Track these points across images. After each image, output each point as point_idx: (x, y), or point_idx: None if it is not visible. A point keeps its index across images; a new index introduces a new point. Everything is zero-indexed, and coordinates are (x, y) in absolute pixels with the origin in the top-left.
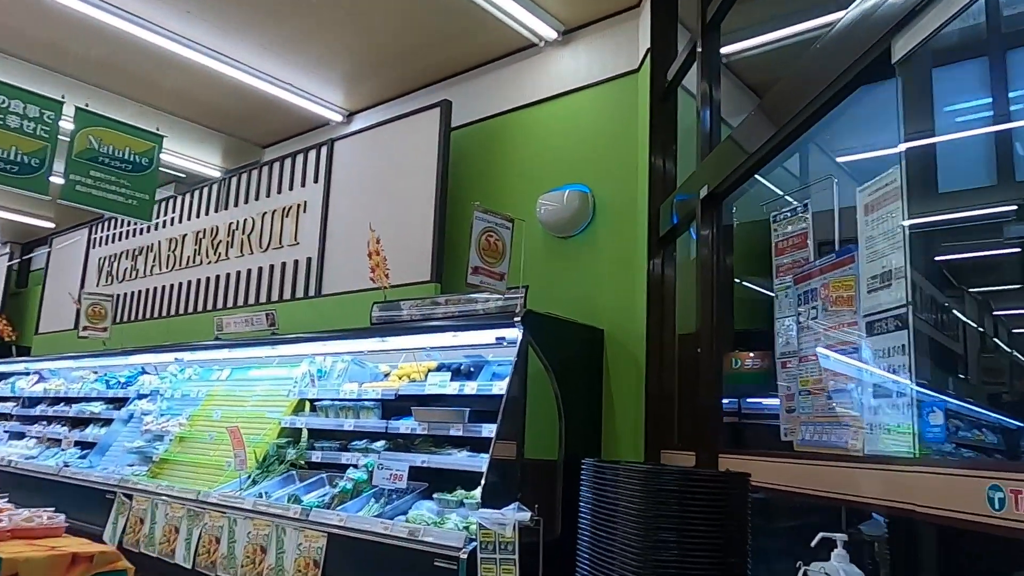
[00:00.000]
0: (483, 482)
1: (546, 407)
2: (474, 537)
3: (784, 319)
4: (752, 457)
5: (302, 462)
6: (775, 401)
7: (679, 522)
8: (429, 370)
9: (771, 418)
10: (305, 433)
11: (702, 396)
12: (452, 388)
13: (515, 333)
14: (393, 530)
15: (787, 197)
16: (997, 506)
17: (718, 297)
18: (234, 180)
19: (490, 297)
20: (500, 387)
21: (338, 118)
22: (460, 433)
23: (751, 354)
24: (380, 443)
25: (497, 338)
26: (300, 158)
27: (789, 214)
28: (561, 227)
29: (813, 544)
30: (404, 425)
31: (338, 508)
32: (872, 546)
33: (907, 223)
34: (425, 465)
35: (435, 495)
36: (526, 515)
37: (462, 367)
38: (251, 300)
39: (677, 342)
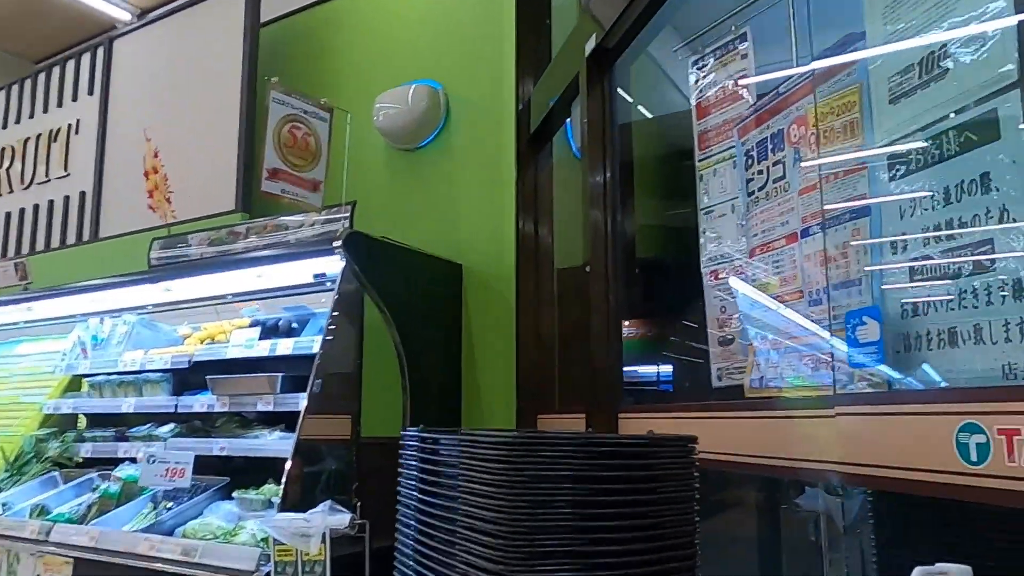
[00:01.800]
0: (285, 475)
1: (391, 369)
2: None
3: (712, 209)
4: (687, 413)
5: (70, 459)
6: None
7: (571, 519)
8: (237, 329)
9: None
10: (84, 421)
11: (595, 341)
12: (261, 349)
13: (338, 266)
14: (161, 550)
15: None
16: (975, 457)
17: (612, 205)
18: None
19: (305, 220)
20: None
21: (126, 16)
22: (271, 408)
23: (626, 322)
24: (169, 427)
25: (316, 276)
26: (71, 66)
27: (719, 52)
28: (406, 135)
29: None
30: (199, 402)
31: (95, 521)
32: (815, 523)
33: None
34: (225, 453)
35: (236, 493)
36: (344, 518)
37: (280, 323)
38: (10, 252)
39: (557, 279)
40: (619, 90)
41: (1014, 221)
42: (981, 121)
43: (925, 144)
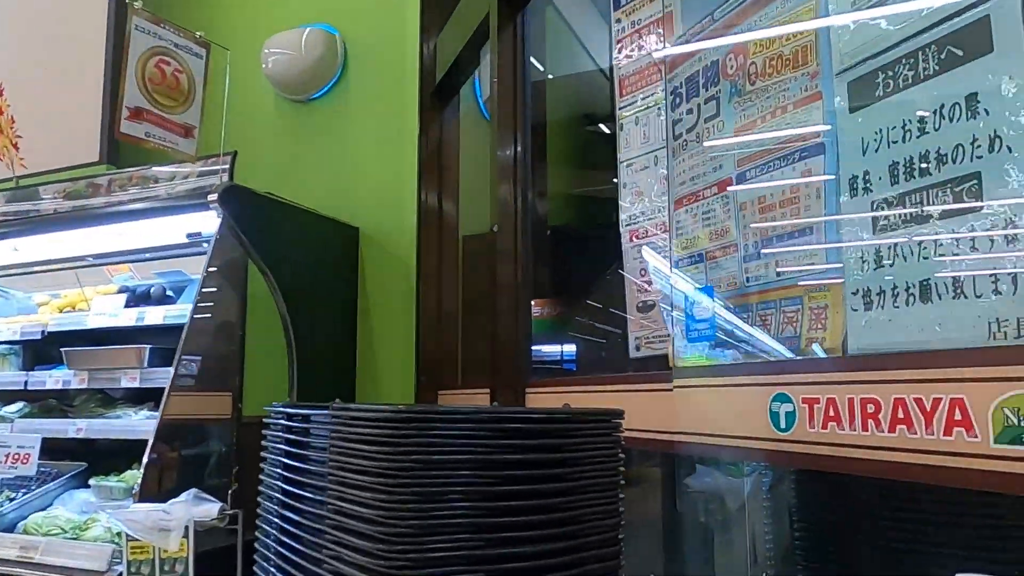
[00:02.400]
0: (145, 461)
1: (281, 341)
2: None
3: (633, 162)
4: (602, 386)
5: None
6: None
7: (469, 514)
8: (100, 296)
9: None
10: None
11: (502, 310)
12: (128, 318)
13: (215, 224)
14: None
15: None
16: (784, 424)
17: (523, 163)
18: None
19: (178, 171)
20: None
21: None
22: (138, 384)
23: (537, 301)
24: (17, 406)
25: (189, 235)
26: None
27: None
28: (298, 85)
29: None
30: (53, 377)
31: None
32: (704, 504)
33: None
34: (83, 435)
35: (93, 480)
36: (212, 508)
37: (153, 290)
38: None
39: (462, 246)
40: (531, 59)
41: (1009, 151)
42: (969, 30)
43: (895, 63)
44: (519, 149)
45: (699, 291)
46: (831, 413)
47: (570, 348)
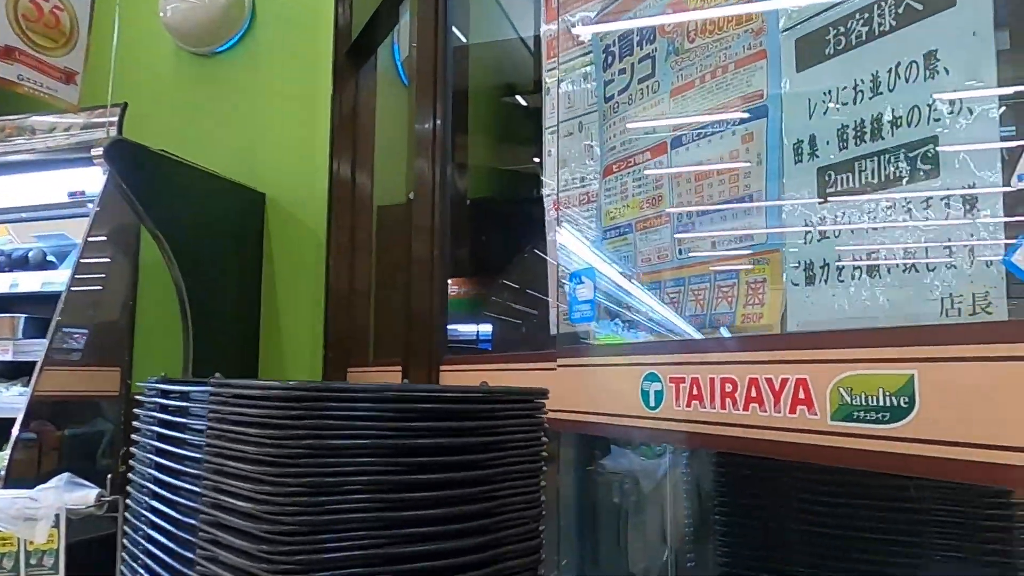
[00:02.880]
0: (12, 442)
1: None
2: None
3: (559, 128)
4: (521, 364)
5: None
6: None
7: (370, 507)
8: None
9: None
10: None
11: (417, 282)
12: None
13: (99, 182)
14: None
15: None
16: (653, 402)
17: (443, 135)
18: None
19: (59, 123)
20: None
21: None
22: (11, 357)
23: (450, 280)
24: None
25: (71, 194)
26: None
27: None
28: (201, 36)
29: None
30: None
31: None
32: (619, 485)
33: None
34: None
35: None
36: (88, 494)
37: (31, 255)
38: None
39: (376, 216)
40: (453, 27)
41: (970, 113)
42: None
43: (847, 18)
44: (438, 117)
45: (584, 273)
46: (695, 392)
47: (489, 327)
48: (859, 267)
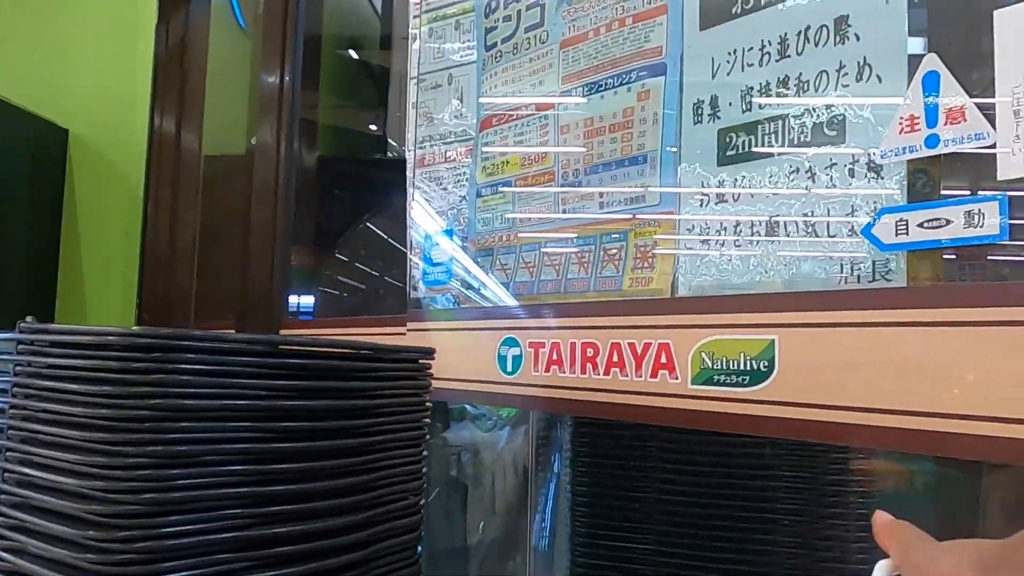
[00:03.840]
0: None
1: None
2: None
3: (425, 78)
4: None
5: None
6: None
7: (231, 481)
8: None
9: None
10: None
11: (254, 245)
12: None
13: None
14: None
15: None
16: (511, 367)
17: (290, 87)
18: None
19: None
20: None
21: None
22: None
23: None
24: None
25: None
26: None
27: None
28: None
29: None
30: None
31: None
32: (458, 458)
33: None
34: None
35: None
36: None
37: None
38: None
39: (205, 165)
40: None
41: (879, 80)
42: None
43: None
44: (287, 70)
45: (445, 233)
46: (554, 357)
47: (335, 294)
48: (756, 232)
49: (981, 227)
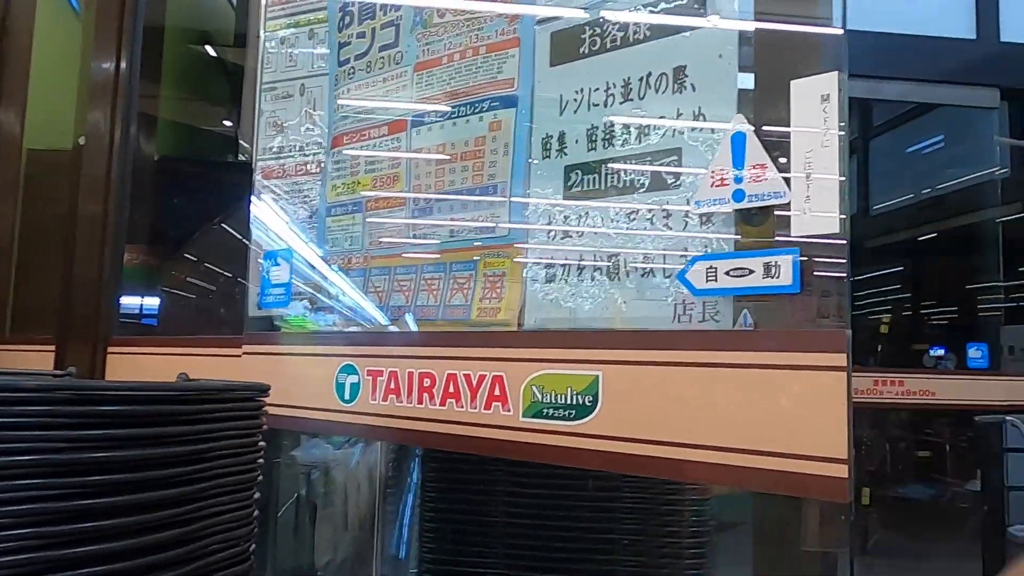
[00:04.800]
0: None
1: None
2: None
3: (276, 87)
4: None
5: None
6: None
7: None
8: None
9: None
10: None
11: (82, 250)
12: None
13: None
14: None
15: None
16: (348, 395)
17: (130, 77)
18: None
19: None
20: None
21: None
22: None
23: (132, 245)
24: None
25: None
26: None
27: None
28: None
29: None
30: None
31: None
32: (308, 477)
33: None
34: None
35: None
36: None
37: None
38: None
39: (26, 161)
40: None
41: (711, 130)
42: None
43: (604, 21)
44: (123, 58)
45: (280, 255)
46: (392, 386)
47: (174, 305)
48: (599, 268)
49: (777, 278)
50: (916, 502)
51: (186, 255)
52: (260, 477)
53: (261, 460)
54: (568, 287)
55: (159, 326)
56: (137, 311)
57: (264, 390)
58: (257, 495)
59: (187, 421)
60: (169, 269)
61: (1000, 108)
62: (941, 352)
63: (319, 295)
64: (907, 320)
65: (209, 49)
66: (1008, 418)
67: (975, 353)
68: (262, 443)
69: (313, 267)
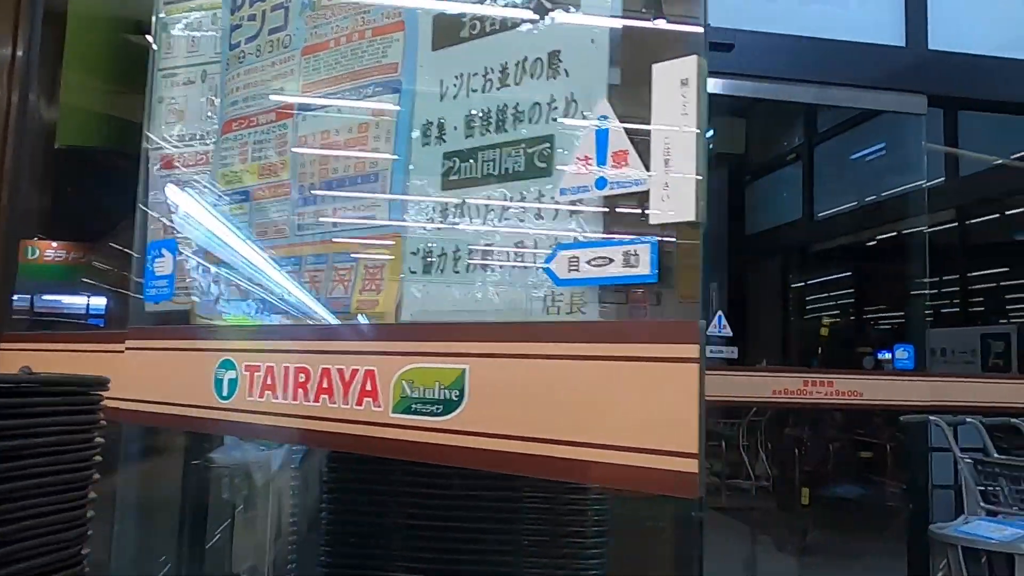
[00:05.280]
0: None
1: None
2: None
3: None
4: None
5: None
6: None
7: None
8: None
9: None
10: None
11: None
12: None
13: None
14: None
15: None
16: (226, 392)
17: (27, 60)
18: None
19: None
20: None
21: None
22: None
23: (53, 244)
24: None
25: None
26: None
27: None
28: None
29: None
30: None
31: None
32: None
33: None
34: None
35: None
36: None
37: None
38: None
39: None
40: None
41: (583, 116)
42: None
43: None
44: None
45: (163, 245)
46: (269, 381)
47: (96, 300)
48: (473, 260)
49: (636, 267)
50: (849, 501)
51: (111, 246)
52: (95, 475)
53: (98, 458)
54: (444, 278)
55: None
56: (79, 311)
57: (102, 384)
58: (92, 495)
59: (6, 415)
60: (95, 263)
61: (928, 115)
62: (885, 355)
63: (202, 288)
64: (846, 324)
65: (119, 34)
66: (932, 418)
67: (901, 354)
68: (99, 440)
69: (201, 260)
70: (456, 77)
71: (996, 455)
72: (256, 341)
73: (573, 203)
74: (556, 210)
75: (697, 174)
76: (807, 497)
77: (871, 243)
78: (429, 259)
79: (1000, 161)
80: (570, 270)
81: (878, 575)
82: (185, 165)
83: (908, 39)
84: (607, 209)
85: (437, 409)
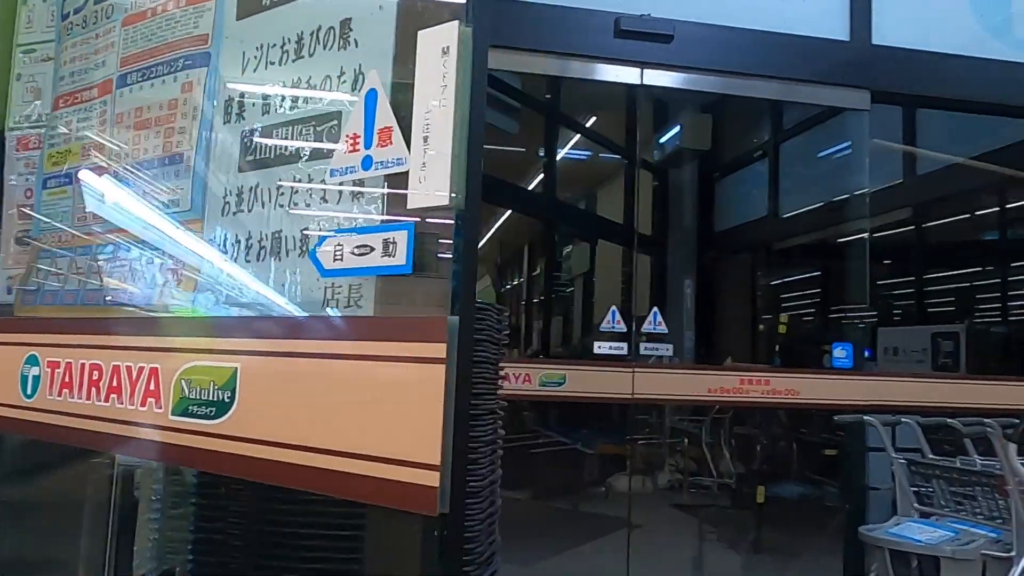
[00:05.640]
0: None
1: None
2: None
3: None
4: None
5: None
6: None
7: None
8: None
9: None
10: None
11: None
12: None
13: None
14: None
15: None
16: (30, 389)
17: None
18: None
19: None
20: None
21: None
22: None
23: None
24: None
25: None
26: None
27: None
28: None
29: None
30: None
31: None
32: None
33: None
34: None
35: None
36: None
37: None
38: None
39: None
40: None
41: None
42: None
43: None
44: None
45: None
46: (67, 379)
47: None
48: (264, 246)
49: (394, 257)
50: (804, 500)
51: None
52: None
53: None
54: (237, 267)
55: None
56: None
57: None
58: None
59: None
60: None
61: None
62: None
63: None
64: (808, 321)
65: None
66: (865, 417)
67: (840, 353)
68: None
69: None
70: (257, 48)
71: (932, 456)
72: (58, 335)
73: (343, 184)
74: (339, 193)
75: (453, 153)
76: (763, 495)
77: (829, 242)
78: (224, 247)
79: (957, 160)
80: (335, 259)
81: (817, 574)
82: (34, 147)
83: (852, 34)
84: (378, 191)
85: (211, 412)
